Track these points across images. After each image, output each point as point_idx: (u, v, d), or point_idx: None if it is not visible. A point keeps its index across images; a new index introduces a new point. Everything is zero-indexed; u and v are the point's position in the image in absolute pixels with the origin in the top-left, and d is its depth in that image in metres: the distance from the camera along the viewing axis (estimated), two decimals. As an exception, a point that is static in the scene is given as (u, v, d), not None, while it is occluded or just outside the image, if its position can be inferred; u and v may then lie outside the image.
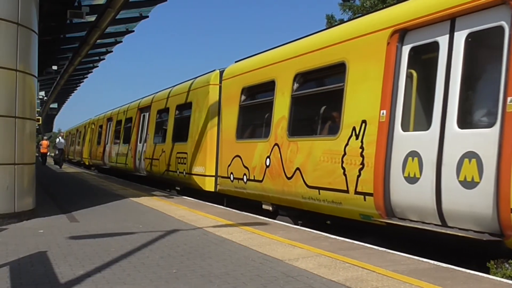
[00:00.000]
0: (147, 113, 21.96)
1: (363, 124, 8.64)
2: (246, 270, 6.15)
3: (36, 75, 10.90)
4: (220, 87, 14.73)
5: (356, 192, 8.63)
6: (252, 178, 12.10)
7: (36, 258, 6.74)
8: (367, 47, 8.85)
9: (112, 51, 30.62)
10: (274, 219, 11.12)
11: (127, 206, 13.07)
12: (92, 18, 18.88)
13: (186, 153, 16.27)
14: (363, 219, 8.76)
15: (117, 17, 17.76)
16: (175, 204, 13.43)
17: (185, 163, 16.25)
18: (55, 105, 57.07)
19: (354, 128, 8.82)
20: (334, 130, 9.56)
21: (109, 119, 30.79)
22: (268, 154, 11.44)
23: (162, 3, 20.76)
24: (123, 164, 25.25)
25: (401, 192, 7.87)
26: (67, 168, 39.92)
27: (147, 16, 22.97)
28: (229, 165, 13.29)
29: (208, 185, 14.69)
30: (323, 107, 10.59)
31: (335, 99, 9.56)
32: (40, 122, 40.20)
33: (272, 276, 5.86)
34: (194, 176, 15.41)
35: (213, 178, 14.49)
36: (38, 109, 39.12)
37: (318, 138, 10.12)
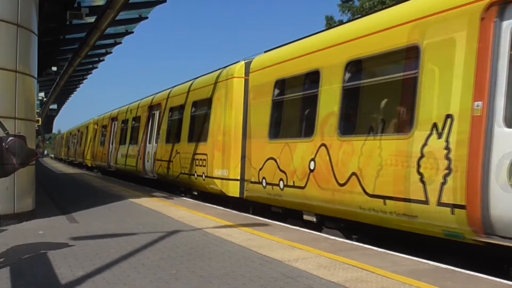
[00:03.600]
0: (158, 111, 20.45)
1: (448, 120, 7.11)
2: (245, 271, 6.15)
3: (36, 76, 10.91)
4: (246, 80, 13.24)
5: (440, 204, 7.04)
6: (291, 184, 10.47)
7: (36, 259, 6.75)
8: (451, 24, 7.26)
9: (111, 52, 30.63)
10: (320, 231, 9.72)
11: (127, 207, 13.07)
12: (92, 19, 18.89)
13: (205, 154, 14.66)
14: (447, 237, 7.21)
15: (116, 18, 17.76)
16: (175, 205, 13.42)
17: (204, 166, 14.63)
18: (54, 106, 57.11)
19: (435, 125, 7.27)
20: (404, 127, 8.11)
21: (114, 119, 29.11)
22: (313, 156, 9.83)
23: (161, 4, 20.79)
24: (130, 166, 23.69)
25: (506, 204, 6.33)
26: (67, 169, 39.91)
27: (147, 17, 22.97)
28: (260, 169, 11.72)
29: (232, 190, 13.20)
30: (386, 100, 8.99)
31: (404, 90, 8.32)
32: (40, 123, 40.18)
33: (272, 277, 5.86)
34: (215, 180, 13.86)
35: (238, 182, 13.03)
36: (38, 110, 39.15)
37: (383, 137, 8.34)
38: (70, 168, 42.74)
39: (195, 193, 16.10)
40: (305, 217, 10.37)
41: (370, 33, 8.88)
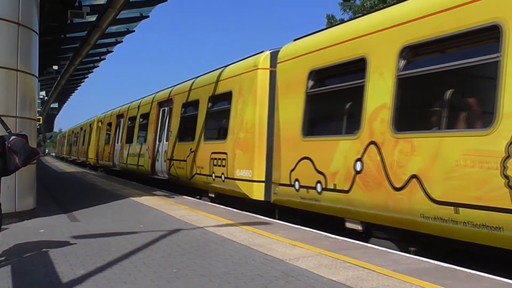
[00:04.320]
0: (169, 107, 19.02)
1: None
2: (246, 269, 6.15)
3: (37, 75, 10.91)
4: (272, 72, 12.04)
5: None
6: (332, 188, 9.24)
7: (37, 258, 6.75)
8: None
9: (112, 51, 30.66)
10: (367, 242, 8.48)
11: (128, 205, 13.07)
12: (93, 18, 18.90)
13: (225, 153, 13.32)
14: None
15: (117, 17, 17.77)
16: (176, 203, 13.43)
17: (224, 166, 13.29)
18: (55, 105, 57.13)
19: None
20: (481, 121, 7.02)
21: (120, 116, 27.58)
22: (359, 156, 8.61)
23: (162, 3, 20.80)
24: (139, 166, 22.18)
25: None
26: (68, 168, 39.93)
27: (148, 16, 22.99)
28: (292, 170, 10.44)
29: (257, 192, 11.96)
30: (455, 90, 7.64)
31: (480, 78, 7.39)
32: (41, 122, 40.21)
33: (273, 275, 5.86)
34: (237, 182, 12.62)
35: (263, 184, 11.86)
36: (39, 109, 39.13)
37: (453, 134, 7.11)
38: (72, 167, 42.65)
39: (212, 195, 14.76)
40: (348, 225, 9.14)
41: (433, 13, 7.58)
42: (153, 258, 6.73)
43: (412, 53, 8.03)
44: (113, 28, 22.56)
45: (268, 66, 12.26)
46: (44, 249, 7.23)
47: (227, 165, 13.15)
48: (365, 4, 30.43)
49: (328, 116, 10.85)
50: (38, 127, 36.04)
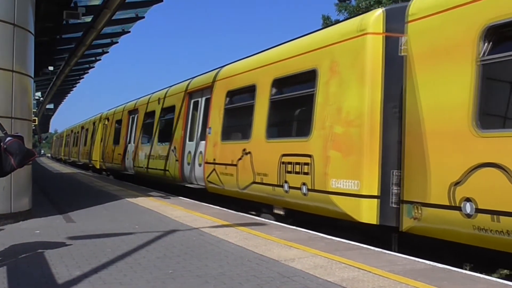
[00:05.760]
0: (204, 98, 15.63)
1: None
2: (242, 270, 6.16)
3: (33, 76, 10.90)
4: (389, 38, 8.62)
5: None
6: None
7: (32, 259, 6.74)
8: None
9: (108, 52, 30.61)
10: None
11: (124, 206, 13.06)
12: (89, 18, 18.89)
13: (309, 155, 9.77)
14: None
15: (113, 17, 17.76)
16: (172, 204, 13.41)
17: (307, 173, 9.81)
18: (51, 106, 57.01)
19: None
20: None
21: (133, 112, 23.96)
22: None
23: (158, 4, 20.78)
24: (160, 171, 18.44)
25: None
26: (63, 168, 39.87)
27: (143, 17, 22.94)
28: (457, 183, 6.92)
29: (367, 213, 8.49)
30: None
31: None
32: (37, 123, 40.17)
33: (268, 276, 5.87)
34: (332, 197, 9.08)
35: (376, 201, 8.44)
36: (35, 110, 39.12)
37: None
38: (69, 168, 42.53)
39: (280, 212, 11.22)
40: None
41: None
42: (149, 259, 6.73)
43: None
44: (109, 29, 22.54)
45: (381, 30, 8.79)
46: (39, 250, 7.22)
47: (313, 172, 9.66)
48: (360, 5, 30.47)
49: None
50: (34, 128, 36.00)
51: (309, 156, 9.81)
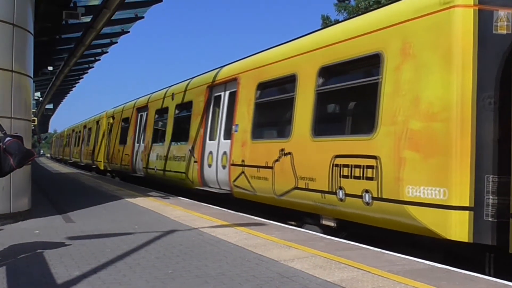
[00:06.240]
0: (227, 92, 14.05)
1: None
2: (241, 270, 6.16)
3: (32, 76, 10.90)
4: (483, 12, 7.10)
5: None
6: None
7: (32, 259, 6.74)
8: None
9: (107, 52, 30.62)
10: None
11: (123, 206, 13.05)
12: (88, 19, 18.88)
13: (373, 157, 8.04)
14: None
15: (112, 17, 17.75)
16: (171, 204, 13.40)
17: (370, 178, 8.06)
18: (50, 106, 56.98)
19: None
20: None
21: (142, 109, 22.26)
22: None
23: (157, 4, 20.78)
24: (177, 173, 16.58)
25: None
26: (62, 168, 39.85)
27: (143, 17, 22.96)
28: None
29: (457, 228, 6.92)
30: None
31: None
32: (36, 123, 40.15)
33: (268, 276, 5.87)
34: (408, 208, 7.42)
35: (468, 213, 6.88)
36: (34, 110, 39.09)
37: None
38: (73, 169, 42.46)
39: (330, 223, 9.56)
40: None
41: None
42: (148, 259, 6.73)
43: None
44: (108, 29, 22.54)
45: (472, 2, 7.21)
46: (39, 250, 7.22)
47: (379, 177, 7.92)
48: (360, 5, 30.51)
49: None
50: (33, 128, 35.94)
51: (374, 157, 8.02)
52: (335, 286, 5.48)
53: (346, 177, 8.60)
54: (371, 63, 8.57)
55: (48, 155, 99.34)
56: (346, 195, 8.59)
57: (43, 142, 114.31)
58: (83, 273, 5.94)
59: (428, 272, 6.17)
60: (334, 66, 9.51)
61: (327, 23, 33.28)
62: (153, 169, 19.01)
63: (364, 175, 8.19)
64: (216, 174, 13.67)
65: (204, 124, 14.92)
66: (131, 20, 23.49)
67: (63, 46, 25.19)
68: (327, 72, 9.69)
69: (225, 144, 13.42)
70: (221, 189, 13.53)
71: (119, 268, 6.24)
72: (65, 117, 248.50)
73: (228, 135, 13.40)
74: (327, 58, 9.62)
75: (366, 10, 26.76)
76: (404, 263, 6.67)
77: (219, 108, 14.41)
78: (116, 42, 28.01)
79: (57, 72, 30.98)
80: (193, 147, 15.28)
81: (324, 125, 9.99)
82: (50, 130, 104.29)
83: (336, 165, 8.84)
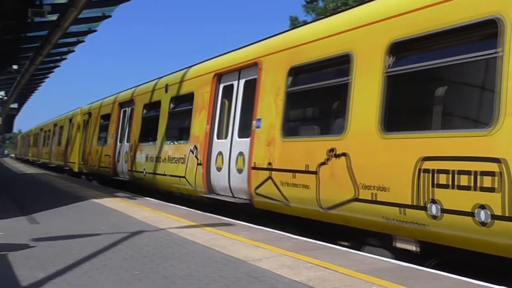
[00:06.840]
0: (243, 81, 11.75)
1: None
2: (209, 271, 6.14)
3: (-4, 75, 10.72)
4: None
5: None
6: None
7: (-5, 261, 6.62)
8: None
9: (74, 51, 30.27)
10: None
11: (90, 207, 12.91)
12: (54, 17, 18.62)
13: (493, 160, 5.83)
14: None
15: (79, 16, 17.55)
16: (138, 205, 13.31)
17: (487, 189, 5.87)
18: (15, 105, 56.00)
19: None
20: None
21: (126, 104, 19.74)
22: None
23: (125, 3, 20.61)
24: (173, 177, 14.18)
25: None
26: (28, 169, 39.23)
27: (110, 16, 22.75)
28: None
29: None
30: None
31: None
32: (0, 123, 39.45)
33: (236, 276, 5.87)
34: None
35: None
36: (-2, 109, 38.44)
37: None
38: (39, 169, 41.81)
39: (411, 247, 7.21)
40: None
41: None
42: (115, 260, 6.67)
43: None
44: (75, 28, 22.27)
45: None
46: (3, 252, 7.07)
47: (504, 189, 5.70)
48: (327, 7, 30.74)
49: None
50: (-3, 127, 35.26)
51: (495, 160, 5.83)
52: (303, 285, 5.50)
53: (443, 186, 6.38)
54: (482, 33, 6.40)
55: (13, 155, 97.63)
56: (444, 211, 6.38)
57: (7, 142, 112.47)
58: (48, 275, 5.85)
59: (395, 271, 6.24)
60: (416, 40, 7.20)
61: (295, 23, 33.47)
62: (142, 172, 16.60)
63: (477, 185, 5.98)
64: (229, 180, 11.43)
65: (210, 120, 12.53)
66: (98, 19, 23.26)
67: (28, 44, 24.82)
68: (404, 48, 7.47)
69: (240, 143, 11.22)
70: (235, 197, 11.28)
71: (86, 269, 6.16)
72: (31, 117, 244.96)
73: (244, 132, 11.23)
74: (403, 30, 7.28)
75: (334, 11, 27.02)
76: (371, 262, 6.74)
77: (230, 99, 12.12)
78: (83, 41, 27.73)
79: (22, 70, 30.46)
80: (195, 147, 13.03)
81: (401, 117, 7.81)
82: (15, 130, 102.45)
83: (426, 171, 6.62)
